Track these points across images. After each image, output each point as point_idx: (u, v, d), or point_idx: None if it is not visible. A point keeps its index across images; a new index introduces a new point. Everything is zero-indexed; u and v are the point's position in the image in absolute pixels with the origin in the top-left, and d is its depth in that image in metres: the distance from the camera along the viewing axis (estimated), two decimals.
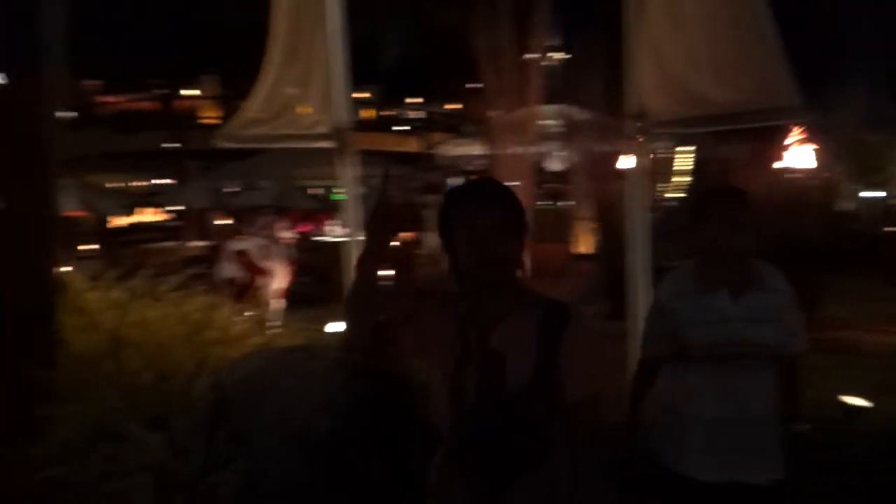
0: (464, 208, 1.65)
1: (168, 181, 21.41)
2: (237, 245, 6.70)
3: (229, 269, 6.43)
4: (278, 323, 6.42)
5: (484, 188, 1.73)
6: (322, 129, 5.24)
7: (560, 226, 12.66)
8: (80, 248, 15.40)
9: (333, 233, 10.83)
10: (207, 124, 20.39)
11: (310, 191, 18.21)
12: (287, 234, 6.98)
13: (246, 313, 5.75)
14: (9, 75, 4.02)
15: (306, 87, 5.13)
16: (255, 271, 6.45)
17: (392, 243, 1.69)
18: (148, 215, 20.35)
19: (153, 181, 23.21)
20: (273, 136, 5.13)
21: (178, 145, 19.49)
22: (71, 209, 17.74)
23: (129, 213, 20.76)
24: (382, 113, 22.53)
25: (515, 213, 1.67)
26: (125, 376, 3.79)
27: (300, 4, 5.05)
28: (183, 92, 22.38)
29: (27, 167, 4.08)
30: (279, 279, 6.59)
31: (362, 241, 1.76)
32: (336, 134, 5.29)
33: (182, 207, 17.12)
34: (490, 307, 1.65)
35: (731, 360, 2.20)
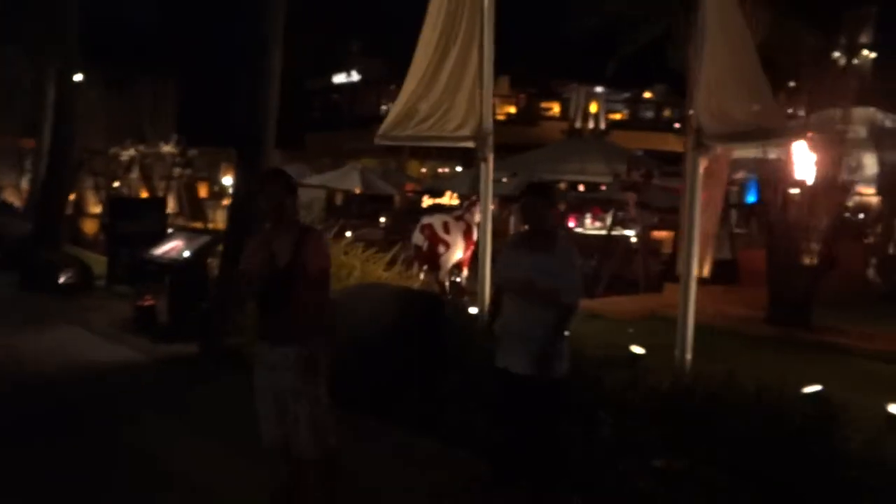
0: (263, 184, 3.32)
1: (461, 169, 24.51)
2: (425, 219, 8.54)
3: (418, 238, 8.28)
4: (446, 283, 8.23)
5: (273, 172, 3.55)
6: (465, 132, 6.51)
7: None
8: (381, 219, 19.10)
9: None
10: (498, 120, 22.84)
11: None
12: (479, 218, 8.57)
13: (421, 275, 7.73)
14: None
15: (454, 93, 6.24)
16: (435, 241, 8.17)
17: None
18: (451, 199, 23.56)
19: (457, 168, 26.69)
20: (421, 136, 6.43)
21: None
22: (382, 191, 21.65)
23: (438, 195, 24.22)
24: (665, 114, 22.95)
25: (282, 186, 3.26)
26: None
27: (454, 18, 6.12)
28: None
29: None
30: (455, 251, 8.24)
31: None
32: (478, 137, 6.58)
33: (463, 193, 19.71)
34: (276, 231, 3.25)
35: (524, 297, 3.43)
